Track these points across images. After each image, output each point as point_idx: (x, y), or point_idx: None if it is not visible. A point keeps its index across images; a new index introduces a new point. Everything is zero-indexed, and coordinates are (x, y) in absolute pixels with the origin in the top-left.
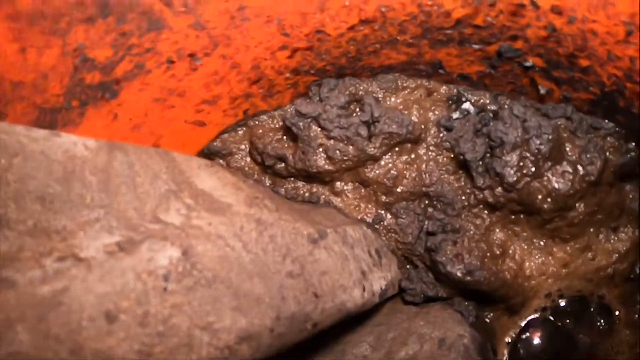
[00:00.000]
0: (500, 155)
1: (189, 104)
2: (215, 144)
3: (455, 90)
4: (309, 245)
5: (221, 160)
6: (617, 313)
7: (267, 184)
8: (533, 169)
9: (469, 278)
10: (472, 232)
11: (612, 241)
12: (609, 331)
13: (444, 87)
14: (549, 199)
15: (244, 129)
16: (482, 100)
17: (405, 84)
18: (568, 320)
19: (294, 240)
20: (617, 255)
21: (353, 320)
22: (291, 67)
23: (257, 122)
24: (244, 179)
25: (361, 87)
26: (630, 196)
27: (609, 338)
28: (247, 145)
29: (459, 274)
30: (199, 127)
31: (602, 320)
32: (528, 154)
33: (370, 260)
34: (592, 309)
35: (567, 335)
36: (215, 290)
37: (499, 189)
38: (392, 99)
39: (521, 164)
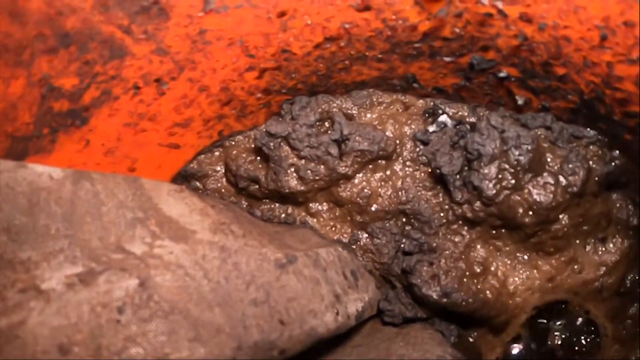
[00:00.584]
0: (478, 168)
1: (160, 127)
2: (191, 165)
3: (432, 104)
4: (276, 270)
5: (198, 183)
6: (605, 328)
7: (244, 206)
8: (513, 182)
9: (445, 300)
10: (450, 251)
11: (599, 253)
12: (597, 347)
13: (420, 101)
14: (530, 213)
15: (220, 149)
16: (460, 113)
17: (380, 99)
18: (555, 337)
19: (259, 267)
20: (604, 268)
21: (332, 342)
22: (261, 87)
23: (232, 143)
24: (213, 204)
25: (334, 104)
26: (618, 205)
27: (598, 353)
28: (222, 167)
29: (434, 296)
30: (174, 150)
31: (589, 336)
32: (507, 166)
33: (345, 282)
34: (578, 324)
35: (553, 352)
36: (172, 321)
37: (478, 204)
38: (368, 115)
39: (500, 176)
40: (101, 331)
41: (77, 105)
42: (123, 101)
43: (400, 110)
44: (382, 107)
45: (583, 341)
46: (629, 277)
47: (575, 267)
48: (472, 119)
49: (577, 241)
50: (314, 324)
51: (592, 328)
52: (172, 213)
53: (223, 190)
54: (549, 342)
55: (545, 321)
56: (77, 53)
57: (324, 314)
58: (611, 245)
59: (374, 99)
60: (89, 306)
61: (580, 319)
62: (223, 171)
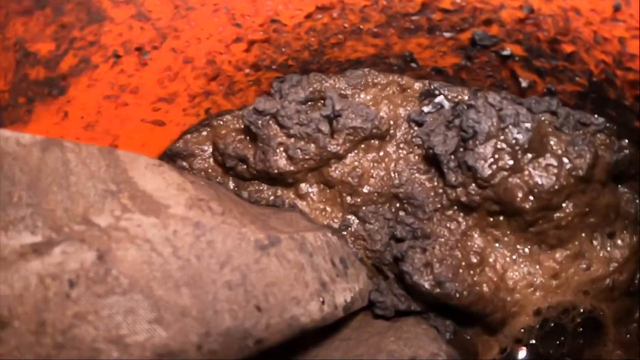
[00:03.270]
0: (473, 147)
1: (143, 101)
2: (177, 145)
3: (430, 87)
4: (256, 252)
5: (184, 162)
6: (610, 333)
7: (231, 187)
8: (511, 162)
9: (438, 290)
10: (445, 238)
11: (608, 248)
12: (601, 353)
13: (418, 84)
14: (530, 197)
15: (208, 129)
16: (460, 97)
17: (376, 80)
18: (554, 340)
19: (237, 247)
20: (615, 264)
21: (320, 334)
22: (250, 62)
23: (221, 122)
24: (194, 180)
25: (327, 84)
26: (625, 198)
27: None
28: (210, 147)
29: (427, 285)
30: (158, 127)
31: (595, 340)
32: (504, 145)
33: (333, 270)
34: (581, 326)
35: (553, 355)
36: (130, 299)
37: (473, 186)
38: (362, 96)
39: (497, 156)
40: (47, 305)
41: (54, 74)
42: (103, 70)
43: (397, 92)
44: (377, 89)
45: (587, 345)
46: (638, 277)
47: (582, 263)
48: (472, 102)
49: (583, 234)
50: (296, 312)
51: (599, 333)
52: (147, 187)
53: (210, 171)
54: (548, 345)
55: (545, 322)
56: (53, 15)
57: (307, 302)
58: (620, 241)
59: (369, 80)
60: (38, 277)
61: (583, 321)
62: (210, 151)
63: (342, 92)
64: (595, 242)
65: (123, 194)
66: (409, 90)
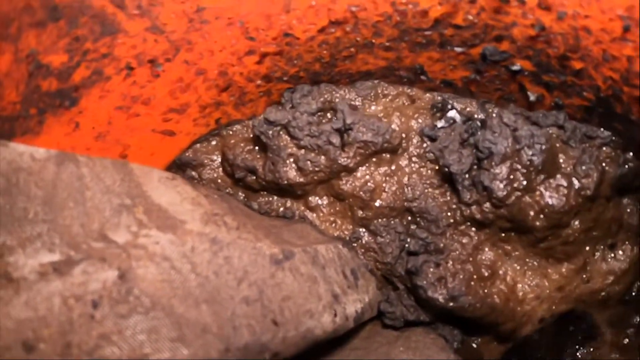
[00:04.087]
0: (489, 168)
1: (155, 112)
2: (187, 154)
3: (439, 98)
4: (272, 267)
5: (193, 172)
6: (605, 335)
7: (241, 198)
8: (525, 183)
9: (452, 304)
10: (457, 252)
11: (608, 260)
12: (595, 355)
13: (427, 95)
14: (542, 216)
15: (217, 139)
16: (468, 109)
17: (385, 92)
18: (553, 343)
19: (253, 262)
20: (612, 277)
21: (330, 344)
22: (262, 74)
23: (230, 132)
24: (207, 194)
25: (337, 95)
26: (628, 210)
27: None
28: (219, 156)
29: (441, 299)
30: (168, 137)
31: (588, 343)
32: (519, 166)
33: (344, 281)
34: (579, 331)
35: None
36: (153, 318)
37: (487, 205)
38: (373, 107)
39: (512, 177)
40: (72, 327)
41: (67, 85)
42: (115, 82)
43: (407, 104)
44: (387, 100)
45: (582, 349)
46: (636, 286)
47: (584, 276)
48: (482, 115)
49: (587, 248)
50: (310, 325)
51: (594, 335)
52: (161, 201)
53: (219, 181)
54: (545, 349)
55: (547, 329)
56: (67, 28)
57: (321, 315)
58: (620, 252)
59: (379, 91)
60: (61, 298)
61: (581, 325)
62: (220, 161)
63: (352, 102)
64: (597, 254)
65: (138, 209)
66: (419, 102)
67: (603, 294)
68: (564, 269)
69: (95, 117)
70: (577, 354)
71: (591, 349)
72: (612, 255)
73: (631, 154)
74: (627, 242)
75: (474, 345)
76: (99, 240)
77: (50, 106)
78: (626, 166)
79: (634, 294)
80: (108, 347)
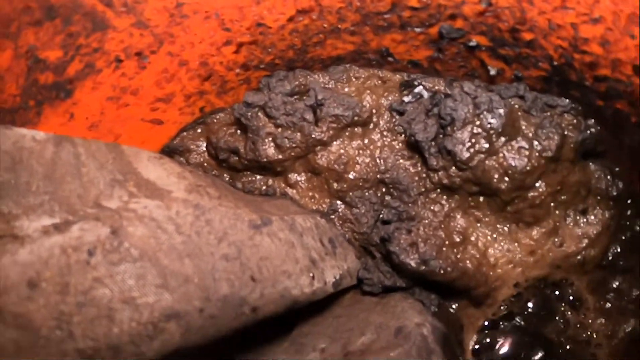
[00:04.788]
0: (451, 133)
1: (143, 102)
2: (175, 142)
3: (408, 78)
4: (250, 230)
5: (181, 158)
6: (587, 301)
7: (226, 179)
8: (486, 146)
9: (423, 268)
10: (429, 220)
11: (581, 225)
12: (582, 321)
13: (397, 76)
14: (506, 178)
15: (202, 126)
16: (436, 87)
17: (357, 75)
18: (537, 312)
19: (232, 225)
20: (587, 240)
21: (314, 313)
22: (240, 63)
23: (215, 120)
24: (192, 170)
25: (312, 79)
26: (596, 176)
27: (583, 329)
28: (204, 142)
29: (413, 264)
30: (157, 126)
31: (572, 311)
32: (480, 130)
33: (322, 249)
34: (562, 298)
35: (536, 327)
36: (140, 267)
37: (453, 169)
38: (345, 89)
39: (473, 140)
40: (70, 270)
41: (62, 78)
42: (106, 74)
43: (378, 84)
44: (359, 82)
45: (567, 316)
46: (611, 250)
47: (556, 240)
48: (447, 91)
49: (557, 212)
50: (288, 284)
51: (577, 302)
52: (150, 176)
53: (205, 165)
54: (531, 317)
55: (527, 295)
56: (62, 25)
57: (298, 277)
58: (592, 217)
59: (351, 74)
60: (60, 248)
61: (563, 293)
62: (205, 146)
63: (326, 85)
64: (568, 219)
65: (129, 183)
66: (389, 82)
67: (579, 257)
68: (534, 232)
69: (88, 107)
70: (563, 322)
71: (576, 316)
72: (585, 219)
73: (592, 120)
74: (597, 207)
75: (452, 311)
76: (94, 207)
77: (48, 98)
78: (588, 132)
79: (610, 258)
80: (100, 289)
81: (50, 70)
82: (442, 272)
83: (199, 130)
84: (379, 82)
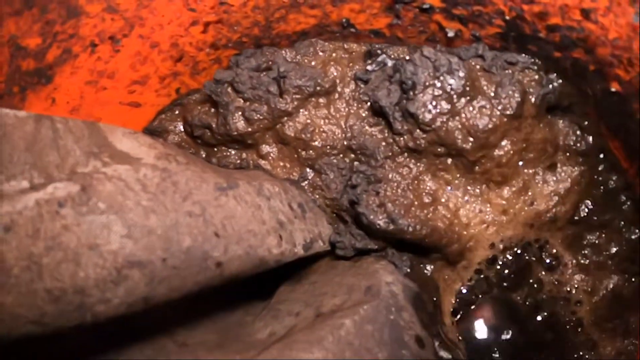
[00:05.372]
0: (413, 97)
1: (120, 85)
2: (153, 124)
3: (373, 47)
4: (215, 192)
5: (160, 139)
6: (564, 258)
7: (203, 156)
8: (448, 107)
9: (392, 227)
10: (397, 182)
11: (550, 183)
12: (560, 279)
13: (362, 47)
14: (470, 138)
15: (179, 108)
16: (401, 55)
17: (323, 48)
18: (514, 273)
19: (198, 187)
20: (557, 197)
21: (294, 282)
22: (209, 42)
23: (191, 101)
24: (164, 143)
25: (279, 55)
26: (565, 132)
27: (561, 286)
28: (181, 123)
29: (381, 223)
30: (135, 109)
31: (550, 269)
32: (441, 92)
33: (290, 212)
34: (539, 258)
35: (514, 288)
36: (106, 218)
37: (418, 132)
38: (312, 63)
39: (434, 102)
40: (41, 218)
41: (42, 64)
42: (82, 59)
43: (344, 56)
44: (325, 55)
45: (545, 275)
46: (584, 206)
47: (527, 198)
48: (409, 57)
49: (525, 170)
50: (253, 242)
51: (554, 261)
52: (123, 148)
53: (183, 144)
54: (510, 279)
55: (502, 256)
56: (39, 14)
57: (265, 236)
58: (562, 174)
59: (317, 48)
60: (35, 201)
61: (539, 252)
62: (182, 127)
63: (293, 60)
64: (537, 177)
65: (104, 154)
66: (354, 53)
67: (550, 215)
68: (504, 192)
69: (68, 92)
70: (540, 281)
71: (554, 275)
72: (554, 177)
73: (555, 74)
74: (567, 163)
75: (427, 273)
76: (70, 174)
77: (30, 84)
78: (550, 86)
79: (582, 214)
80: (68, 234)
81: (32, 57)
82: (410, 229)
83: (176, 112)
84: (345, 54)
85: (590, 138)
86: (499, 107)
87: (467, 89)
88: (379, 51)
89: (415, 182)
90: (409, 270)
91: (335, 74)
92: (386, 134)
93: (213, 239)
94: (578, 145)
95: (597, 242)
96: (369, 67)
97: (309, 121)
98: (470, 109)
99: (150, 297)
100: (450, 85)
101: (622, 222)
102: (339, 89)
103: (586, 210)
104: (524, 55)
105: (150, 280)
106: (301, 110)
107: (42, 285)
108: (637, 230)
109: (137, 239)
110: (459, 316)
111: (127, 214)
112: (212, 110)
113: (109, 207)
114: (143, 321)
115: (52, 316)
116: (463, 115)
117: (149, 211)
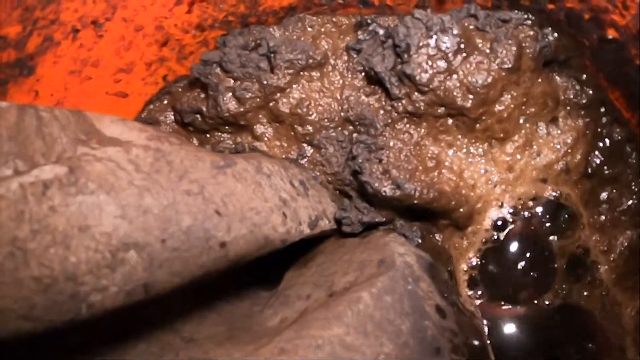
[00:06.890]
0: (409, 59)
1: (105, 73)
2: (142, 116)
3: (362, 19)
4: (213, 170)
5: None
6: (581, 216)
7: (196, 144)
8: (444, 65)
9: (398, 193)
10: (399, 148)
11: (554, 135)
12: (577, 240)
13: (352, 19)
14: (469, 95)
15: (168, 97)
16: (391, 24)
17: (312, 23)
18: (527, 235)
19: (194, 165)
20: (565, 147)
21: (301, 266)
22: (194, 23)
23: (179, 89)
24: (155, 127)
25: (267, 32)
26: (564, 86)
27: (578, 247)
28: (171, 112)
29: (387, 190)
30: (122, 99)
31: (566, 225)
32: (436, 51)
33: (292, 190)
34: (553, 215)
35: (528, 250)
36: (96, 198)
37: (416, 94)
38: (302, 39)
39: (430, 62)
40: (25, 200)
41: (23, 54)
42: (65, 47)
43: (333, 30)
44: (314, 30)
45: (561, 234)
46: (591, 158)
47: (532, 151)
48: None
49: (527, 124)
50: (257, 220)
51: (571, 220)
52: (112, 134)
53: (174, 133)
54: (524, 242)
55: (515, 219)
56: (17, 0)
57: (269, 214)
58: (565, 126)
59: (306, 24)
60: (18, 184)
61: (554, 209)
62: (172, 116)
63: (282, 37)
64: (540, 131)
65: (92, 140)
66: (344, 26)
67: (561, 165)
68: (507, 148)
69: (51, 83)
70: (560, 241)
71: (573, 235)
72: (557, 130)
73: (549, 28)
74: (568, 116)
75: (438, 242)
76: (57, 160)
77: (12, 76)
78: (546, 40)
79: (594, 167)
80: (55, 216)
81: (12, 47)
82: (417, 194)
83: (165, 102)
84: (334, 27)
85: (590, 91)
86: (497, 62)
87: (462, 46)
88: (369, 21)
89: (417, 147)
90: (420, 241)
91: (326, 46)
92: (383, 102)
93: (214, 217)
94: (578, 98)
95: (610, 197)
96: (360, 37)
97: (303, 96)
98: (467, 65)
99: (151, 283)
100: (445, 43)
101: (631, 176)
102: (331, 61)
103: (596, 162)
104: (517, 11)
105: (149, 264)
106: (294, 85)
107: (29, 272)
108: None
109: (132, 218)
110: (474, 286)
111: (119, 194)
112: (202, 95)
113: (100, 187)
114: (146, 316)
115: (42, 308)
116: (460, 72)
117: (144, 190)
